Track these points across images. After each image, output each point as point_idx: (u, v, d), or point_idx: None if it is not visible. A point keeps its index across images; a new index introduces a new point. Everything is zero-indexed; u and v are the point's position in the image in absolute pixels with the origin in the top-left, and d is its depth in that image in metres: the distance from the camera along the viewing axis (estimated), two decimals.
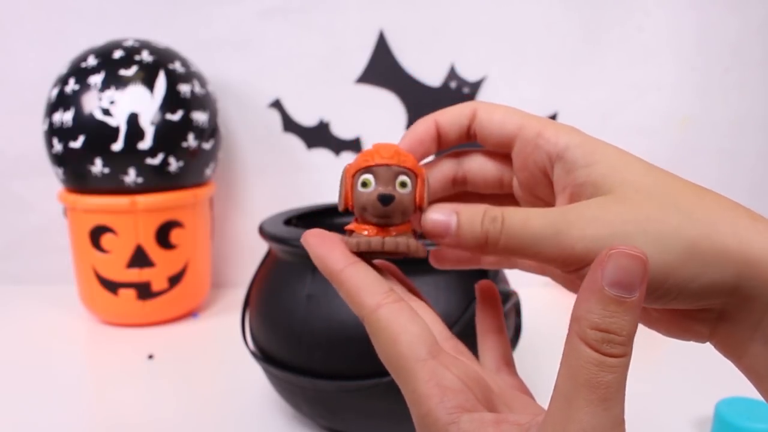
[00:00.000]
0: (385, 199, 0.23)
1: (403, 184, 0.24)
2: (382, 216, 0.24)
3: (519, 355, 0.56)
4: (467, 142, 0.27)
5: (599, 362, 0.18)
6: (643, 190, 0.21)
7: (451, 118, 0.26)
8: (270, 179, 0.95)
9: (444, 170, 0.28)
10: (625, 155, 0.23)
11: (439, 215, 0.23)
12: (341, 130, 0.92)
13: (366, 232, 0.24)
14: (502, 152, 0.27)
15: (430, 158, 0.28)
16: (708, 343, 0.24)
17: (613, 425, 0.18)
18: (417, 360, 0.21)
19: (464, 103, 0.27)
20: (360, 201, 0.24)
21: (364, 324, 0.23)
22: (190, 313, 0.85)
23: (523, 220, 0.21)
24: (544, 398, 0.26)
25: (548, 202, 0.26)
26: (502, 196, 0.28)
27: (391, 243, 0.24)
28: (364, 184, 0.24)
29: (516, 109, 0.26)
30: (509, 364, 0.28)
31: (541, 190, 0.26)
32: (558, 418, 0.19)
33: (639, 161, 0.23)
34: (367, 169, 0.24)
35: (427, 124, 0.27)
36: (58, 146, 0.75)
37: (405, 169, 0.24)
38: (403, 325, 0.22)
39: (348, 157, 0.93)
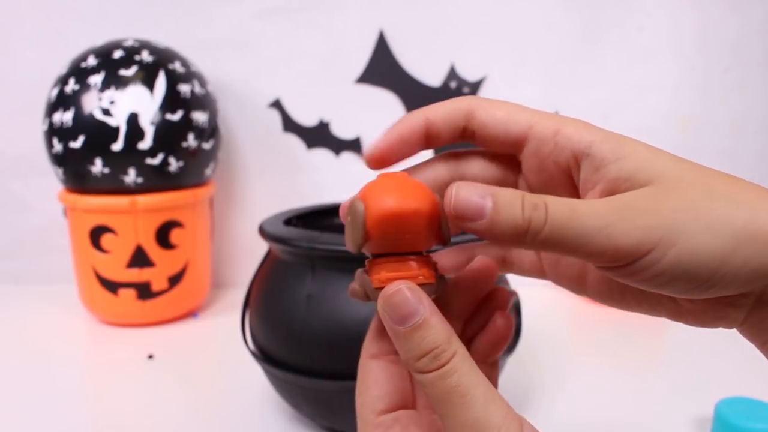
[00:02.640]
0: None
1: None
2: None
3: (519, 354, 0.56)
4: (461, 141, 0.25)
5: (439, 376, 0.20)
6: (684, 179, 0.21)
7: (444, 115, 0.24)
8: (270, 179, 0.95)
9: (439, 174, 0.26)
10: (652, 148, 0.22)
11: (471, 194, 0.20)
12: (341, 130, 0.92)
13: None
14: (505, 153, 0.25)
15: (428, 153, 0.26)
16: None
17: (483, 410, 0.20)
18: (370, 413, 0.23)
19: (459, 99, 0.24)
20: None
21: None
22: (190, 313, 0.85)
23: (570, 210, 0.20)
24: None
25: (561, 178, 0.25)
26: None
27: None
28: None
29: (518, 105, 0.24)
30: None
31: (560, 191, 0.24)
32: None
33: (666, 153, 0.22)
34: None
35: (414, 120, 0.24)
36: (58, 146, 0.75)
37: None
38: (380, 381, 0.24)
39: (348, 158, 0.93)
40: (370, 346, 0.25)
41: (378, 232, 0.22)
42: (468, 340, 0.27)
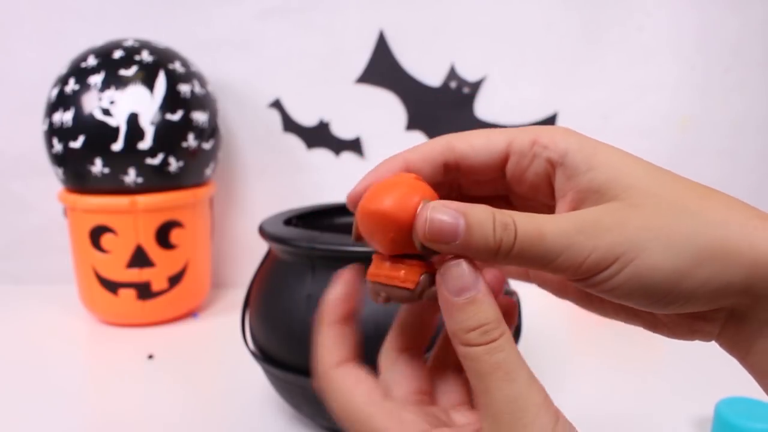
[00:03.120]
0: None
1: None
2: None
3: None
4: (442, 180, 0.25)
5: (487, 351, 0.21)
6: (651, 194, 0.21)
7: (422, 155, 0.24)
8: (270, 179, 0.95)
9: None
10: (626, 157, 0.22)
11: (444, 216, 0.20)
12: (341, 130, 0.92)
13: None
14: (491, 178, 0.25)
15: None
16: (709, 344, 0.24)
17: (526, 388, 0.20)
18: (374, 404, 0.23)
19: (434, 140, 0.25)
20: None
21: (317, 382, 0.25)
22: (190, 313, 0.85)
23: (537, 229, 0.20)
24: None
25: (550, 207, 0.25)
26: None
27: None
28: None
29: (494, 129, 0.24)
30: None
31: (543, 198, 0.25)
32: (483, 411, 0.21)
33: (640, 162, 0.22)
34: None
35: (393, 163, 0.24)
36: (58, 146, 0.75)
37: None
38: (356, 382, 0.24)
39: (348, 158, 0.93)
40: (327, 356, 0.25)
41: (360, 227, 0.23)
42: None
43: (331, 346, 0.25)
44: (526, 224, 0.20)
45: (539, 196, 0.25)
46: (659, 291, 0.20)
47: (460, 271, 0.21)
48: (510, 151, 0.24)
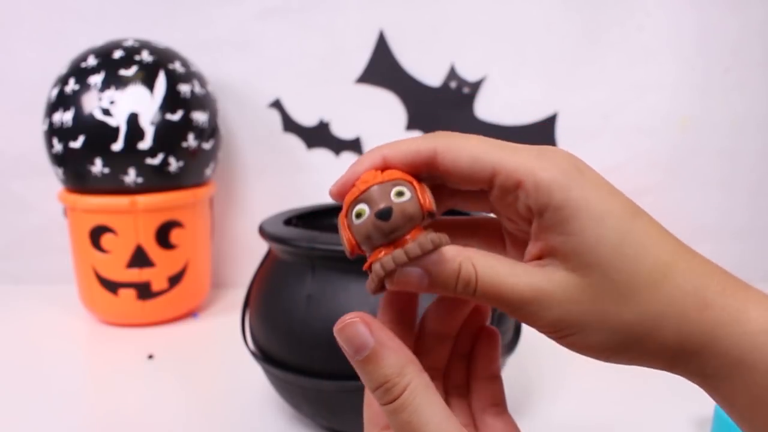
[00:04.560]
0: (383, 214, 0.21)
1: (400, 194, 0.22)
2: (388, 233, 0.21)
3: (519, 355, 0.56)
4: (422, 176, 0.24)
5: (391, 411, 0.21)
6: (609, 276, 0.22)
7: (403, 157, 0.24)
8: (270, 179, 0.95)
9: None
10: (601, 224, 0.22)
11: (411, 276, 0.22)
12: (341, 130, 0.92)
13: (382, 254, 0.22)
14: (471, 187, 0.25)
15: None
16: None
17: None
18: (376, 426, 0.24)
19: (420, 141, 0.24)
20: (361, 233, 0.22)
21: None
22: (190, 313, 0.85)
23: (497, 290, 0.22)
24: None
25: (526, 232, 0.25)
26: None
27: (414, 248, 0.21)
28: (359, 215, 0.22)
29: (483, 144, 0.23)
30: (498, 405, 0.27)
31: (521, 224, 0.25)
32: None
33: (613, 229, 0.22)
34: (356, 200, 0.22)
35: (371, 159, 0.24)
36: (58, 146, 0.75)
37: (395, 180, 0.22)
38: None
39: (348, 158, 0.93)
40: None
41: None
42: (462, 356, 0.28)
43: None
44: (487, 282, 0.22)
45: (518, 222, 0.25)
46: (595, 356, 0.23)
47: (350, 330, 0.22)
48: (494, 183, 0.23)
